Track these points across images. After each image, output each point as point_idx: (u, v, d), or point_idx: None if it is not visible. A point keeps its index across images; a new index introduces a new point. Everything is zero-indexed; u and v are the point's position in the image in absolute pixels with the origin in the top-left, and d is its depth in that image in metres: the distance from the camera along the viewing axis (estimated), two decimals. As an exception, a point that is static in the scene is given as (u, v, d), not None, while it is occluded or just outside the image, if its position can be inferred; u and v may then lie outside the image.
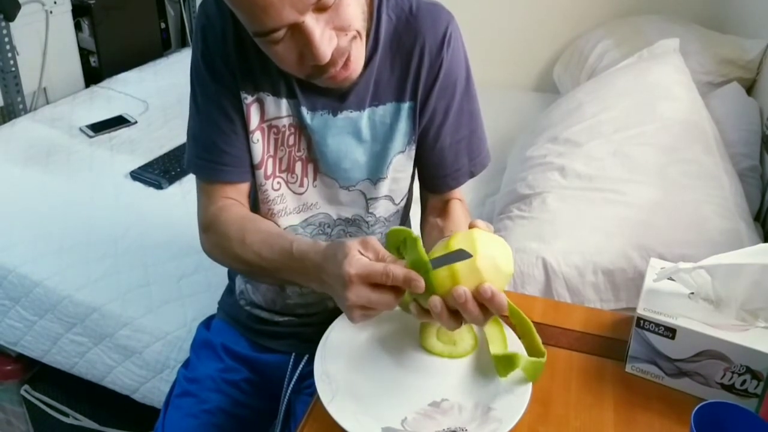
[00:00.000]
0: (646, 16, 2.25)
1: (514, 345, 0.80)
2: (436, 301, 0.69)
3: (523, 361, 0.75)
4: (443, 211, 0.98)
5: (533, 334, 0.79)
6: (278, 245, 0.83)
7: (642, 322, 0.80)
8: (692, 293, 0.83)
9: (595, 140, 1.43)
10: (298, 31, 0.73)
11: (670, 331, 0.78)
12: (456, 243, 0.70)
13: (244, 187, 0.94)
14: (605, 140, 1.42)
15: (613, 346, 0.88)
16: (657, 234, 1.20)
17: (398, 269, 0.68)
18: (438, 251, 0.72)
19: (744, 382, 0.76)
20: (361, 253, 0.71)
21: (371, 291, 0.69)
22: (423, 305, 0.72)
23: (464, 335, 0.83)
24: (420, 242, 0.70)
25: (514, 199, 1.40)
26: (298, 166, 0.93)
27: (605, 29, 2.23)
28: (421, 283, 0.68)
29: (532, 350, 0.79)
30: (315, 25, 0.73)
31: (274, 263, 0.83)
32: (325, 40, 0.74)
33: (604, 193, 1.30)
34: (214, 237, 0.91)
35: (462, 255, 0.69)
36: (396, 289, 0.70)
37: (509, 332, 0.82)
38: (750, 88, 1.90)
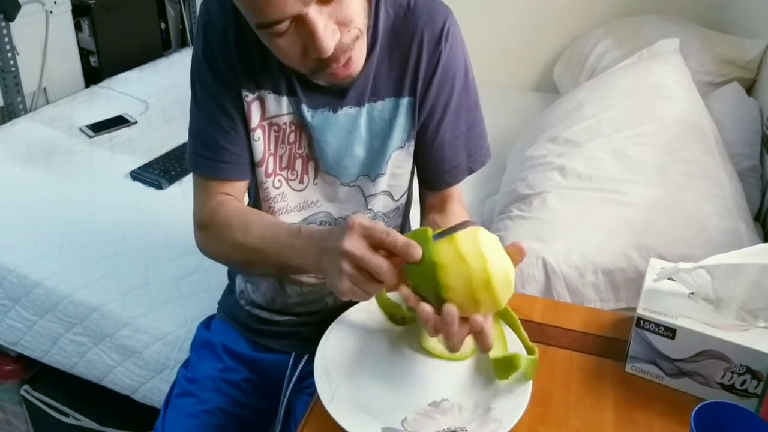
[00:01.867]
0: (646, 16, 2.25)
1: (514, 346, 0.80)
2: (426, 308, 0.67)
3: (523, 362, 0.75)
4: (441, 207, 0.98)
5: (520, 331, 0.79)
6: (285, 227, 0.83)
7: (642, 322, 0.80)
8: (692, 293, 0.83)
9: (595, 140, 1.43)
10: (301, 24, 0.73)
11: (670, 331, 0.78)
12: (461, 239, 0.68)
13: (242, 185, 0.94)
14: (605, 140, 1.42)
15: (613, 346, 0.88)
16: (657, 234, 1.19)
17: (399, 235, 0.69)
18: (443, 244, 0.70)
19: (744, 382, 0.76)
20: None
21: (366, 248, 0.68)
22: (421, 292, 0.70)
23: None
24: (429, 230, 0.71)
25: (514, 199, 1.40)
26: (299, 163, 0.93)
27: (605, 29, 2.23)
28: (418, 250, 0.67)
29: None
30: (318, 17, 0.73)
31: (276, 245, 0.82)
32: (328, 33, 0.74)
33: (604, 193, 1.30)
34: (213, 229, 0.91)
35: (465, 225, 0.69)
36: (390, 261, 0.69)
37: (509, 332, 0.81)
38: (750, 88, 1.90)
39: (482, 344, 0.69)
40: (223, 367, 1.05)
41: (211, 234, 0.92)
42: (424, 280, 0.68)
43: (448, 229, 0.70)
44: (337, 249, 0.69)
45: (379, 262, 0.68)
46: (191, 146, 0.93)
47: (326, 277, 0.73)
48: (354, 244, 0.68)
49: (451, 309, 0.66)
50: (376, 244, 0.69)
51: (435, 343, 0.81)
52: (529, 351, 0.78)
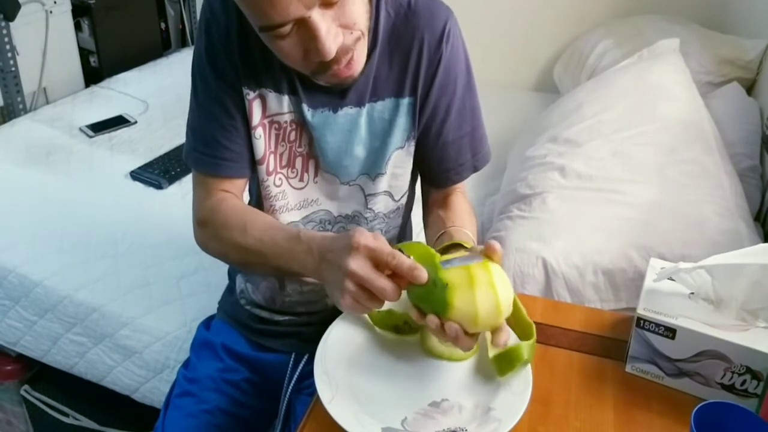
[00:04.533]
0: (646, 16, 2.25)
1: (512, 340, 0.80)
2: (434, 321, 0.70)
3: (525, 351, 0.75)
4: (445, 201, 0.99)
5: (519, 308, 0.78)
6: (283, 231, 0.84)
7: (642, 322, 0.80)
8: (692, 293, 0.83)
9: (595, 140, 1.43)
10: (304, 27, 0.73)
11: (670, 331, 0.78)
12: (478, 293, 0.69)
13: (241, 183, 0.95)
14: (605, 140, 1.42)
15: (613, 346, 0.88)
16: (657, 234, 1.20)
17: (405, 258, 0.70)
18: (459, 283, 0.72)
19: (744, 382, 0.76)
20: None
21: (371, 269, 0.70)
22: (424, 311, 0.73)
23: None
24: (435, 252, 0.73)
25: (514, 199, 1.40)
26: (299, 161, 0.93)
27: (605, 29, 2.23)
28: (424, 273, 0.69)
29: (519, 328, 0.79)
30: (321, 20, 0.73)
31: (275, 248, 0.83)
32: (330, 36, 0.74)
33: (604, 193, 1.30)
34: (212, 227, 0.91)
35: (472, 258, 0.70)
36: (394, 281, 0.71)
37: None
38: (750, 88, 1.90)
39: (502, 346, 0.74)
40: (223, 367, 1.05)
41: (210, 232, 0.92)
42: (428, 299, 0.71)
43: (454, 259, 0.72)
44: (341, 268, 0.71)
45: (383, 285, 0.70)
46: (191, 142, 0.93)
47: (327, 288, 0.75)
48: (359, 265, 0.70)
49: (452, 326, 0.69)
50: (381, 265, 0.70)
51: (435, 343, 0.81)
52: (528, 331, 0.77)
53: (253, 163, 0.92)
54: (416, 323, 0.75)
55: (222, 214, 0.90)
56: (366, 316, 0.84)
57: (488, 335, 0.81)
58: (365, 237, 0.71)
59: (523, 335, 0.78)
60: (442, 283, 0.69)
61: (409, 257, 0.73)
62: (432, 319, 0.70)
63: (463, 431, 0.71)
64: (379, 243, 0.71)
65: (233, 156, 0.91)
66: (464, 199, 1.00)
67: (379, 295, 0.71)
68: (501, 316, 0.70)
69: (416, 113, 0.91)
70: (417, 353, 0.82)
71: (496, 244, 0.73)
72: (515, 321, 0.79)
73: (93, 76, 2.64)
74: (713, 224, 1.20)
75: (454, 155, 0.95)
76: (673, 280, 0.84)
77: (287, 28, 0.73)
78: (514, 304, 0.78)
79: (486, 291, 0.69)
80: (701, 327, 0.77)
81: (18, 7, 2.19)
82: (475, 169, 0.98)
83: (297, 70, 0.83)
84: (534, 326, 0.77)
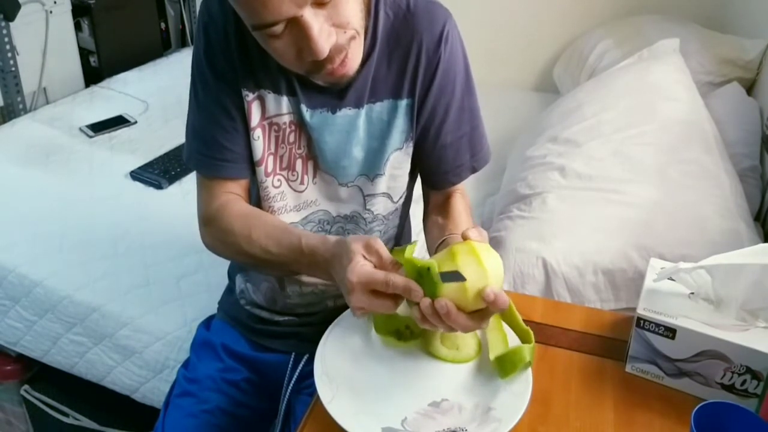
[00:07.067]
0: (646, 16, 2.25)
1: (514, 343, 0.80)
2: (425, 303, 0.70)
3: (527, 353, 0.75)
4: (444, 206, 0.99)
5: (515, 315, 0.78)
6: (286, 240, 0.85)
7: (642, 322, 0.80)
8: (692, 293, 0.83)
9: (595, 140, 1.43)
10: (296, 26, 0.73)
11: (670, 331, 0.78)
12: (461, 259, 0.71)
13: (245, 183, 0.95)
14: (605, 140, 1.42)
15: (613, 346, 0.88)
16: (657, 234, 1.20)
17: (398, 278, 0.71)
18: (441, 261, 0.73)
19: (744, 382, 0.76)
20: (365, 257, 0.74)
21: (371, 297, 0.73)
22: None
23: (468, 340, 0.82)
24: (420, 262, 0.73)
25: (514, 199, 1.40)
26: (299, 163, 0.93)
27: (605, 29, 2.23)
28: (420, 292, 0.70)
29: (518, 335, 0.79)
30: (313, 19, 0.73)
31: (282, 257, 0.85)
32: (323, 36, 0.74)
33: (604, 193, 1.30)
34: (217, 231, 0.91)
35: (457, 276, 0.70)
36: (394, 295, 0.73)
37: (509, 333, 0.81)
38: (750, 88, 1.90)
39: (501, 307, 0.71)
40: (223, 367, 1.05)
41: (215, 234, 0.92)
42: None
43: (443, 274, 0.72)
44: (345, 297, 0.74)
45: (384, 306, 0.74)
46: (192, 144, 0.93)
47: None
48: (358, 299, 0.73)
49: (441, 302, 0.70)
50: (379, 290, 0.73)
51: (438, 346, 0.81)
52: (526, 338, 0.78)
53: (253, 164, 0.92)
54: (417, 327, 0.76)
55: (226, 220, 0.90)
56: (368, 321, 0.84)
57: (488, 337, 0.81)
58: (357, 273, 0.72)
59: (522, 341, 0.78)
60: (425, 270, 0.70)
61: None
62: (424, 302, 0.70)
63: (463, 431, 0.71)
64: (371, 273, 0.72)
65: (234, 157, 0.91)
66: (462, 201, 1.00)
67: (383, 312, 0.74)
68: (487, 277, 0.70)
69: (414, 115, 0.91)
70: (417, 353, 0.82)
71: (470, 232, 0.74)
72: (512, 329, 0.80)
73: (93, 76, 2.63)
74: (713, 224, 1.20)
75: (452, 156, 0.95)
76: (673, 280, 0.84)
77: (280, 27, 0.74)
78: (511, 312, 0.78)
79: (467, 257, 0.71)
80: (701, 327, 0.77)
81: (18, 7, 2.19)
82: (474, 170, 0.98)
83: (292, 69, 0.83)
84: (532, 333, 0.78)
